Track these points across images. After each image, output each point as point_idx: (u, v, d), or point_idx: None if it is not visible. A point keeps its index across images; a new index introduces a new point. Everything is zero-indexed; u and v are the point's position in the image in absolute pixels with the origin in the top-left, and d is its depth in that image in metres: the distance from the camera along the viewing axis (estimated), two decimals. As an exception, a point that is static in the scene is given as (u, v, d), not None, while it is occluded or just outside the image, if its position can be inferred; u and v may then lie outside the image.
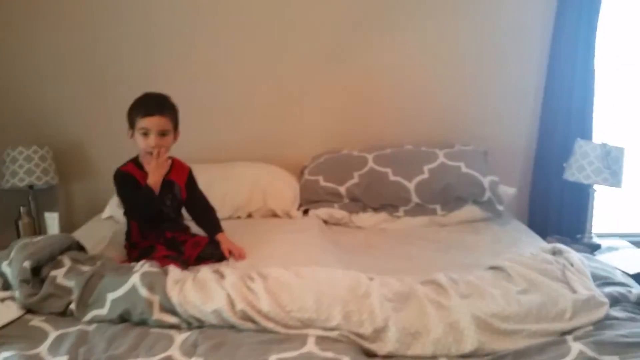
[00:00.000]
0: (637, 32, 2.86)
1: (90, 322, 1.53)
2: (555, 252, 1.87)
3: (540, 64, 2.83)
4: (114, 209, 2.59)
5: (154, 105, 1.97)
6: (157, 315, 1.49)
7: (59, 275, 1.66)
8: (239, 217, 2.63)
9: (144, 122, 1.94)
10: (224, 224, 2.25)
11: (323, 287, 1.50)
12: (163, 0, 2.78)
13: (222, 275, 1.59)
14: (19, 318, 1.56)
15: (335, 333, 1.40)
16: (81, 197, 3.02)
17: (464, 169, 2.59)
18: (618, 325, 1.48)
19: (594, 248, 2.61)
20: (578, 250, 2.08)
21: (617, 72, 2.89)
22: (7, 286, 1.73)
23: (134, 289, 1.53)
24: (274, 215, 2.62)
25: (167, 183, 2.08)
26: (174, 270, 1.65)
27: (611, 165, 2.53)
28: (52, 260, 1.73)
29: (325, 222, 2.59)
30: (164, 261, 1.85)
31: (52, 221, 2.71)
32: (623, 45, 2.87)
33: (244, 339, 1.39)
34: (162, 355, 1.34)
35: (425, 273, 1.75)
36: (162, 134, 1.98)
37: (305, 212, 2.64)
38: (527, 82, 2.87)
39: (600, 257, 2.42)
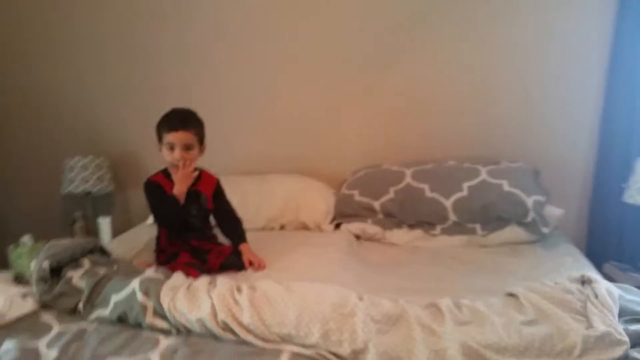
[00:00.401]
0: None
1: (94, 321, 1.62)
2: (584, 282, 1.70)
3: (598, 75, 2.60)
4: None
5: (178, 120, 2.06)
6: (150, 319, 1.54)
7: (75, 276, 1.76)
8: (272, 229, 2.65)
9: (169, 137, 2.04)
10: (255, 235, 2.29)
11: (307, 303, 1.47)
12: (205, 20, 2.91)
13: (214, 285, 1.61)
14: (34, 313, 1.67)
15: (311, 351, 1.37)
16: (136, 204, 3.20)
17: (506, 188, 2.43)
18: (637, 370, 1.31)
19: (656, 277, 2.33)
20: (636, 280, 1.87)
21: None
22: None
23: (133, 293, 1.59)
24: (306, 228, 2.62)
25: (193, 193, 2.15)
26: (175, 277, 1.70)
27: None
28: (74, 261, 1.85)
29: (358, 237, 2.55)
30: (185, 268, 1.92)
31: (104, 225, 2.90)
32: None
33: (221, 349, 1.40)
34: (142, 356, 1.38)
35: (447, 295, 1.66)
36: (187, 147, 2.06)
37: (338, 226, 2.61)
38: (584, 97, 2.65)
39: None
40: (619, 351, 1.35)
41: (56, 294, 1.70)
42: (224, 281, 1.62)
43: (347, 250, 2.33)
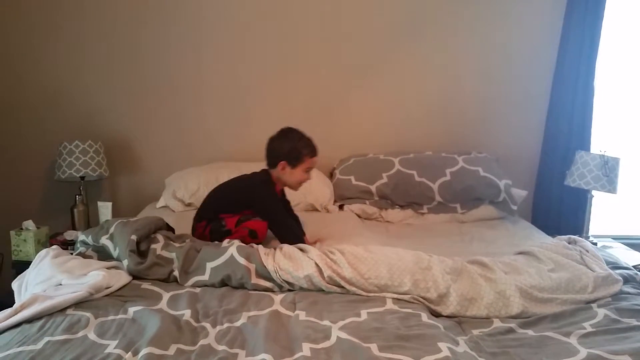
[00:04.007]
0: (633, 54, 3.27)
1: (193, 286, 1.80)
2: (570, 242, 2.20)
3: (545, 83, 3.20)
4: (168, 198, 2.84)
5: (315, 146, 2.29)
6: (254, 280, 1.77)
7: (157, 248, 1.92)
8: (281, 210, 2.90)
9: (312, 161, 2.27)
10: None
11: (392, 260, 1.80)
12: (211, 8, 3.06)
13: (303, 250, 1.88)
14: (131, 284, 1.81)
15: (408, 297, 1.71)
16: (126, 190, 3.25)
17: (482, 173, 2.92)
18: (631, 298, 1.81)
19: (592, 246, 2.96)
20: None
21: (615, 89, 3.28)
22: (103, 257, 1.98)
23: (232, 258, 1.81)
24: (314, 209, 2.90)
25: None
26: (259, 247, 1.93)
27: (608, 173, 2.90)
28: (148, 237, 1.99)
29: (358, 216, 2.89)
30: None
31: (106, 209, 2.94)
32: (622, 64, 3.27)
33: (333, 299, 1.69)
34: (270, 309, 1.62)
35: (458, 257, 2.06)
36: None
37: (340, 207, 2.93)
38: (534, 99, 3.23)
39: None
40: (618, 287, 1.86)
41: (150, 264, 1.85)
42: (311, 247, 1.89)
43: (360, 226, 2.67)
